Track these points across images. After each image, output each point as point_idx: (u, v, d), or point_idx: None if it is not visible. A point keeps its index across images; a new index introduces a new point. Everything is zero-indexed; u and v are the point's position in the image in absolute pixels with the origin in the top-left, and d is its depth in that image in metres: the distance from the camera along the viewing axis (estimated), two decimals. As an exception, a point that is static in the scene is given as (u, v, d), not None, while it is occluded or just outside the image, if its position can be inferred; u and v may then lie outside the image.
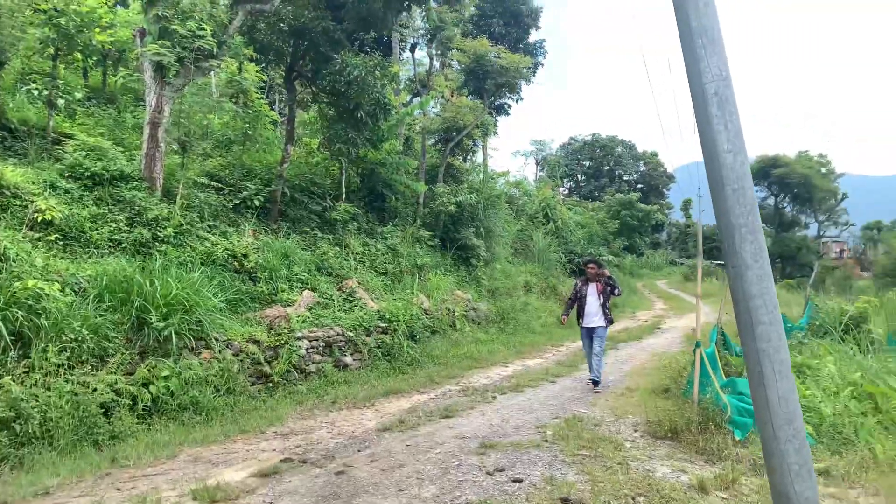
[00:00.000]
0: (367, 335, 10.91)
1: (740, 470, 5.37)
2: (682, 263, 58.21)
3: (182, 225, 9.91)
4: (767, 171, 50.53)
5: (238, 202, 11.91)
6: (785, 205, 53.60)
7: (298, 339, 9.57)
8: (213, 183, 11.76)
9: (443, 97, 19.60)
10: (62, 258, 8.09)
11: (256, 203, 12.08)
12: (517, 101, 26.17)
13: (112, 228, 9.00)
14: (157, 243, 9.35)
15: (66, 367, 6.67)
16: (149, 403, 7.17)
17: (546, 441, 6.40)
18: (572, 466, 5.53)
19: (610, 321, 9.53)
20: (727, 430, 6.40)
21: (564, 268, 23.61)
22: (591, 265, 9.81)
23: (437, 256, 15.52)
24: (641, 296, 31.26)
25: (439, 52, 17.69)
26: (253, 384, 8.69)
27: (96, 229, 8.84)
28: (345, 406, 8.30)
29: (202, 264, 9.53)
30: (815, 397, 7.70)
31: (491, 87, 17.04)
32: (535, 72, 26.70)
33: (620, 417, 7.45)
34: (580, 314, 9.54)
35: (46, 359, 6.53)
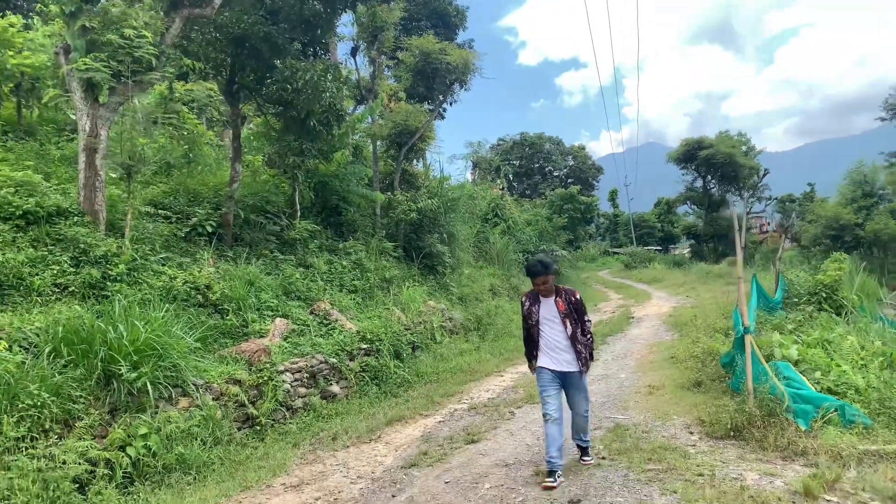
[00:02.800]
0: (351, 359, 10.04)
1: (837, 466, 4.85)
2: (615, 253, 59.22)
3: (135, 259, 8.81)
4: (694, 154, 51.69)
5: (189, 230, 10.81)
6: (712, 185, 55.01)
7: (281, 372, 8.61)
8: (160, 211, 10.64)
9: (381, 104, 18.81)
10: (1, 311, 6.95)
11: (209, 229, 11.01)
12: (452, 103, 25.70)
13: (55, 271, 7.84)
14: (108, 283, 8.22)
15: (27, 439, 5.60)
16: (129, 469, 6.14)
17: (604, 458, 5.73)
18: (652, 485, 4.88)
19: (584, 363, 5.67)
20: (790, 420, 5.90)
21: (522, 267, 23.22)
22: (539, 277, 5.72)
23: (404, 267, 14.71)
24: (592, 287, 31.21)
25: (380, 54, 16.85)
26: (239, 429, 7.71)
27: (37, 274, 7.67)
28: (349, 442, 7.42)
29: (162, 301, 8.44)
30: (848, 373, 7.34)
31: (441, 87, 16.39)
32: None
33: (666, 420, 6.86)
34: (534, 349, 5.85)
35: (2, 433, 5.45)
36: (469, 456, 6.31)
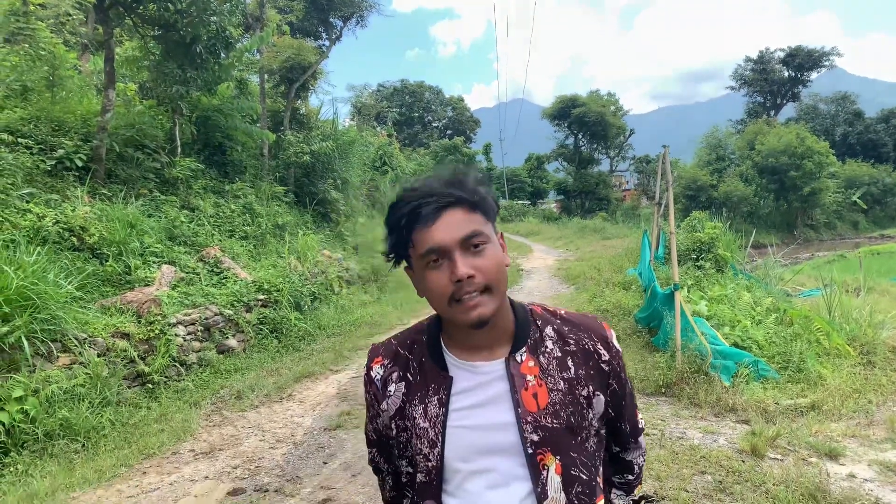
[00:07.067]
0: (248, 311, 9.33)
1: (764, 421, 4.98)
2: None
3: (-6, 194, 7.57)
4: (567, 111, 52.95)
5: (55, 163, 9.48)
6: (583, 143, 56.86)
7: (173, 325, 7.81)
8: (19, 140, 9.23)
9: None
10: None
11: (78, 163, 9.72)
12: (337, 40, 24.49)
13: None
14: (-39, 221, 7.02)
15: None
16: (2, 438, 5.28)
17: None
18: (603, 446, 4.78)
19: None
20: (712, 376, 6.02)
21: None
22: (439, 219, 1.11)
23: (296, 214, 13.88)
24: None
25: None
26: (129, 388, 6.91)
27: None
28: (257, 401, 6.86)
29: (30, 243, 7.32)
30: (749, 328, 7.68)
31: (337, 21, 15.37)
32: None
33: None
34: None
35: None
36: (398, 416, 5.96)
